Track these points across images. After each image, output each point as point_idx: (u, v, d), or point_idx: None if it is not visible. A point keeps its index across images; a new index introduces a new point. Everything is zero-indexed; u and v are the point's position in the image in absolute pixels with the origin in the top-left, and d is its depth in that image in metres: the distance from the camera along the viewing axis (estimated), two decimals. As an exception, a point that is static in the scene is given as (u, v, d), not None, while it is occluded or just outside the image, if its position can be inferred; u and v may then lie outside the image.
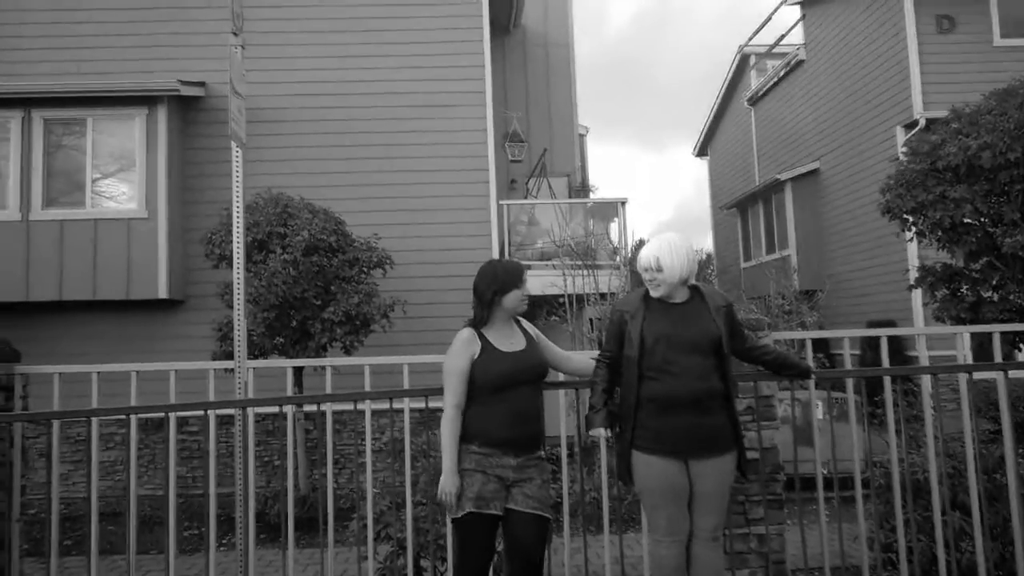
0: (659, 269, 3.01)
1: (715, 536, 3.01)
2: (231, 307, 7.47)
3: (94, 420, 3.44)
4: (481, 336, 3.03)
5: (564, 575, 3.52)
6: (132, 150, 9.15)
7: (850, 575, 3.68)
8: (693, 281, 3.12)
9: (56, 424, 3.45)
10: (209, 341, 7.78)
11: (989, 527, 3.59)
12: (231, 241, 7.19)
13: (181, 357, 8.25)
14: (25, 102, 8.94)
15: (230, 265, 7.34)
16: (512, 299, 3.05)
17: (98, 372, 3.60)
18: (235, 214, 3.85)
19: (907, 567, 3.52)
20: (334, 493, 3.58)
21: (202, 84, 9.51)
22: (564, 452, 3.61)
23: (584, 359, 3.34)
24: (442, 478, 2.92)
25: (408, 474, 3.53)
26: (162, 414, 3.47)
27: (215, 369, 3.73)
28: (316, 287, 7.32)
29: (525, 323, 3.21)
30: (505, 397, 2.97)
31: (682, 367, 2.95)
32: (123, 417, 3.43)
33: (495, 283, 3.05)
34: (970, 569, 3.61)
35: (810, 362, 3.76)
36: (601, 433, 3.09)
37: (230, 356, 7.19)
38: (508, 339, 3.07)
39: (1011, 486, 3.53)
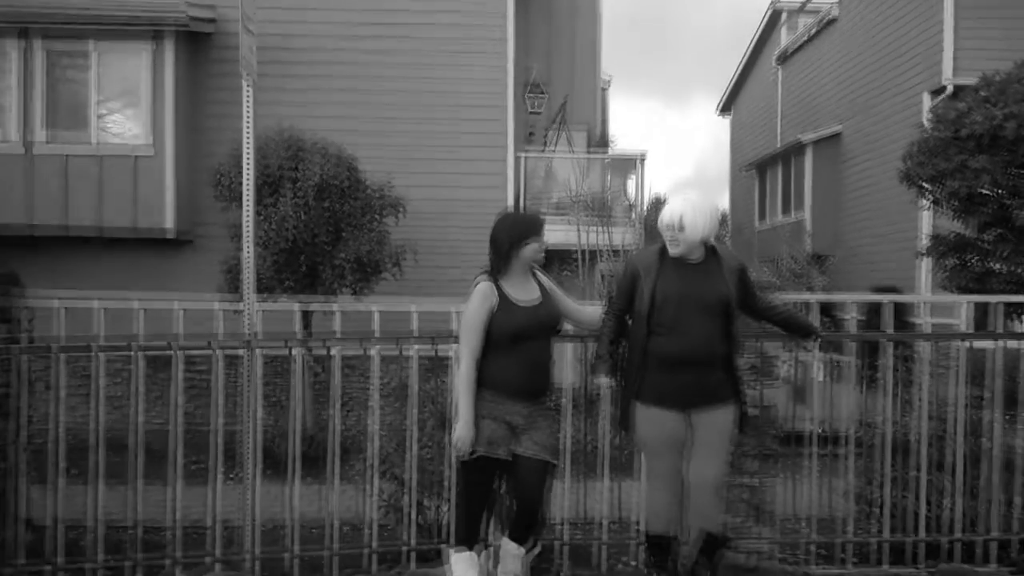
0: (681, 228, 2.96)
1: (716, 487, 3.05)
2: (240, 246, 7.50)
3: (100, 354, 3.50)
4: (498, 287, 3.02)
5: (562, 517, 3.63)
6: (138, 82, 8.99)
7: (832, 525, 3.82)
8: (711, 240, 3.11)
9: (62, 356, 3.51)
10: (218, 280, 7.83)
11: (969, 487, 3.71)
12: (241, 180, 7.17)
13: (189, 294, 8.34)
14: (25, 29, 8.70)
15: (240, 204, 7.33)
16: (530, 250, 3.03)
17: (104, 307, 3.62)
18: (245, 151, 3.83)
19: (888, 521, 3.65)
20: (340, 433, 3.66)
21: (212, 7, 9.25)
22: (569, 402, 3.68)
23: (597, 312, 3.35)
24: (458, 427, 2.95)
25: (414, 418, 3.61)
26: (168, 350, 3.52)
27: (223, 309, 3.77)
28: (327, 230, 7.32)
29: (540, 274, 3.21)
30: (519, 349, 2.99)
31: (690, 327, 2.96)
32: (129, 353, 3.48)
33: (513, 233, 3.03)
34: (944, 524, 3.73)
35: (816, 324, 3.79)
36: (604, 382, 3.15)
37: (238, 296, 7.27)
38: (524, 291, 3.06)
39: (994, 450, 3.65)
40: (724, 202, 21.01)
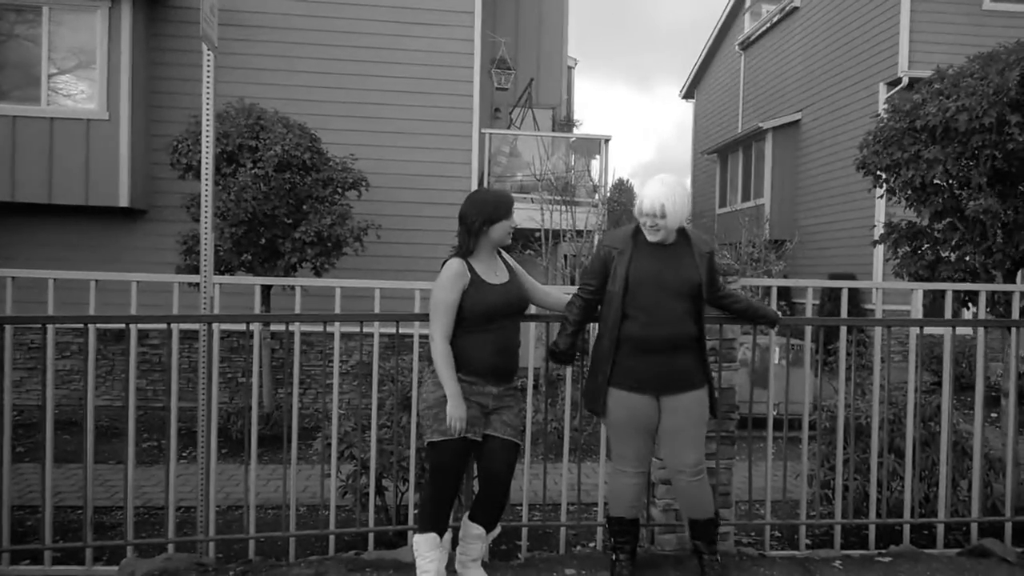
0: (663, 215, 2.94)
1: (698, 471, 3.07)
2: (197, 220, 7.29)
3: (50, 327, 3.36)
4: (469, 266, 2.97)
5: (522, 499, 3.64)
6: (93, 45, 8.63)
7: (788, 508, 3.91)
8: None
9: (9, 330, 3.36)
10: (173, 254, 7.63)
11: (919, 470, 3.81)
12: (199, 151, 6.97)
13: (143, 270, 8.09)
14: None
15: (197, 176, 7.12)
16: (500, 230, 2.98)
17: (54, 279, 3.48)
18: (204, 122, 3.69)
19: (841, 503, 3.75)
20: (299, 413, 3.59)
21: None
22: (531, 383, 3.67)
23: (561, 294, 3.34)
24: (449, 406, 2.88)
25: (375, 397, 3.56)
26: (122, 325, 3.39)
27: (179, 283, 3.65)
28: (287, 205, 7.17)
29: (506, 255, 3.18)
30: (491, 329, 2.96)
31: (663, 309, 2.96)
32: (81, 326, 3.34)
33: (484, 212, 2.97)
34: (897, 507, 3.85)
35: (774, 308, 3.86)
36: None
37: (195, 270, 7.08)
38: (493, 271, 3.03)
39: (943, 434, 3.75)
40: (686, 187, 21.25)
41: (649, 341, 2.98)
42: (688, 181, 21.41)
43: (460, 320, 2.95)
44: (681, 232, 3.10)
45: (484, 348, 2.95)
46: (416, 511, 3.36)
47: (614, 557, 3.20)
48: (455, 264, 2.97)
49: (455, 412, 2.89)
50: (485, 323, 2.95)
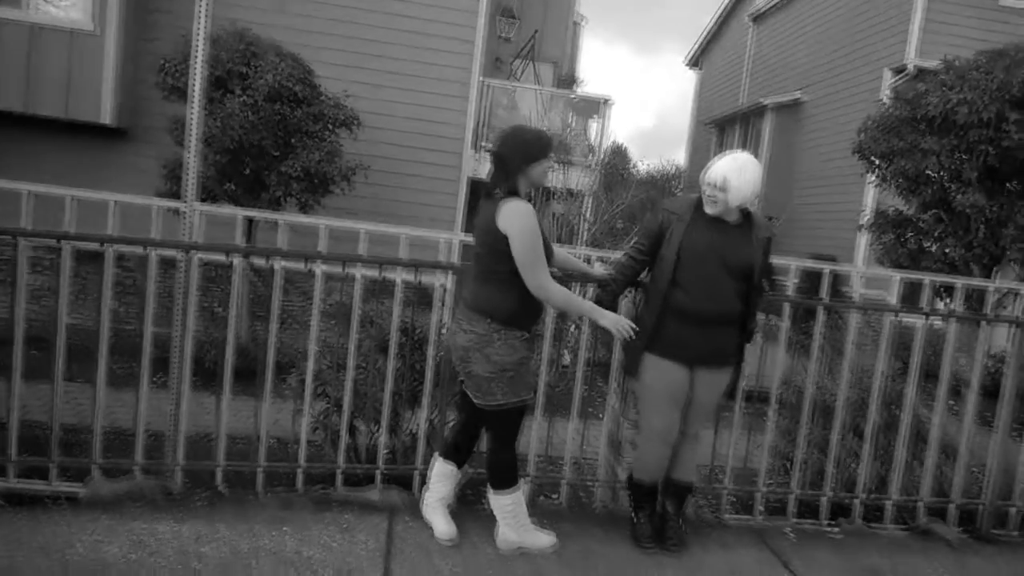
0: (724, 189, 2.93)
1: (698, 440, 3.25)
2: (181, 144, 7.11)
3: (22, 241, 3.28)
4: None
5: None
6: (83, -49, 8.29)
7: (747, 476, 4.03)
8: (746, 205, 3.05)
9: (-18, 240, 3.27)
10: (154, 178, 7.46)
11: (876, 450, 3.96)
12: (187, 72, 6.74)
13: (123, 191, 7.92)
14: None
15: (183, 98, 6.91)
16: (539, 170, 2.83)
17: (29, 191, 3.38)
18: (196, 44, 3.56)
19: (798, 476, 3.88)
20: (275, 349, 3.59)
21: None
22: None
23: (564, 252, 3.30)
24: (608, 322, 2.87)
25: (352, 338, 3.56)
26: (99, 246, 3.32)
27: (160, 207, 3.57)
28: (275, 137, 7.01)
29: None
30: None
31: (712, 283, 2.96)
32: (55, 242, 3.27)
33: (523, 151, 2.78)
34: (850, 484, 3.99)
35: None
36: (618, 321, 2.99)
37: (176, 196, 6.94)
38: None
39: (904, 418, 3.89)
40: (681, 156, 21.13)
41: (694, 312, 2.97)
42: (683, 150, 21.23)
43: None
44: (745, 213, 3.09)
45: (534, 301, 2.84)
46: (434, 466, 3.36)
47: (635, 519, 3.30)
48: (526, 205, 2.77)
49: (616, 321, 2.88)
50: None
